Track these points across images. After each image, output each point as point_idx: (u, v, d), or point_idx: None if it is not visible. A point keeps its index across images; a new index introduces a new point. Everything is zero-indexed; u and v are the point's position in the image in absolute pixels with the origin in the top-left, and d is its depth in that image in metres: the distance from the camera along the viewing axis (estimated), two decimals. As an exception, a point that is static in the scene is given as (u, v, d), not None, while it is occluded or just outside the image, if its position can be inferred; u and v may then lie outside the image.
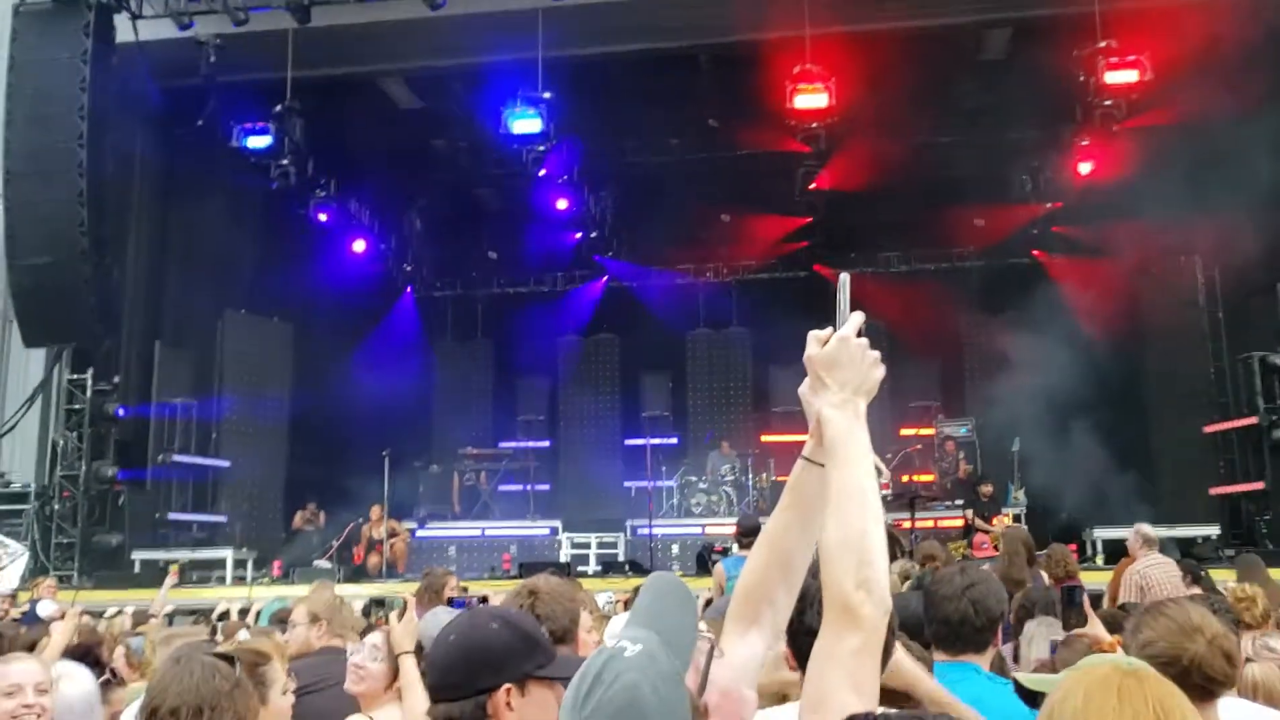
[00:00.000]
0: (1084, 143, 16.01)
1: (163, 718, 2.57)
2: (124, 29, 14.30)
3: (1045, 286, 18.54)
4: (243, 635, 5.44)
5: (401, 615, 3.92)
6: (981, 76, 16.26)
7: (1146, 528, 8.63)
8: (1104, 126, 14.65)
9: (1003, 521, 13.70)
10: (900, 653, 2.78)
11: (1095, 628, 4.35)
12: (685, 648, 1.52)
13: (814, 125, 14.99)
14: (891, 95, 15.32)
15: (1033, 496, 15.44)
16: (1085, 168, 16.44)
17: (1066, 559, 7.71)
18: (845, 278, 1.76)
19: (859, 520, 1.65)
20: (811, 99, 14.37)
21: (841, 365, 1.74)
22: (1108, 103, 14.23)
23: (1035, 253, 19.47)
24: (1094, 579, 9.50)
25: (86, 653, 4.31)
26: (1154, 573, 7.98)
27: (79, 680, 3.61)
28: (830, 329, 1.77)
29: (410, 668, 3.76)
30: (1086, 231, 18.10)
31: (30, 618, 8.49)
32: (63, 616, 6.77)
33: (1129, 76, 13.89)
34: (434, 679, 2.25)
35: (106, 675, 4.46)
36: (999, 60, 16.12)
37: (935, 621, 3.48)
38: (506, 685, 2.16)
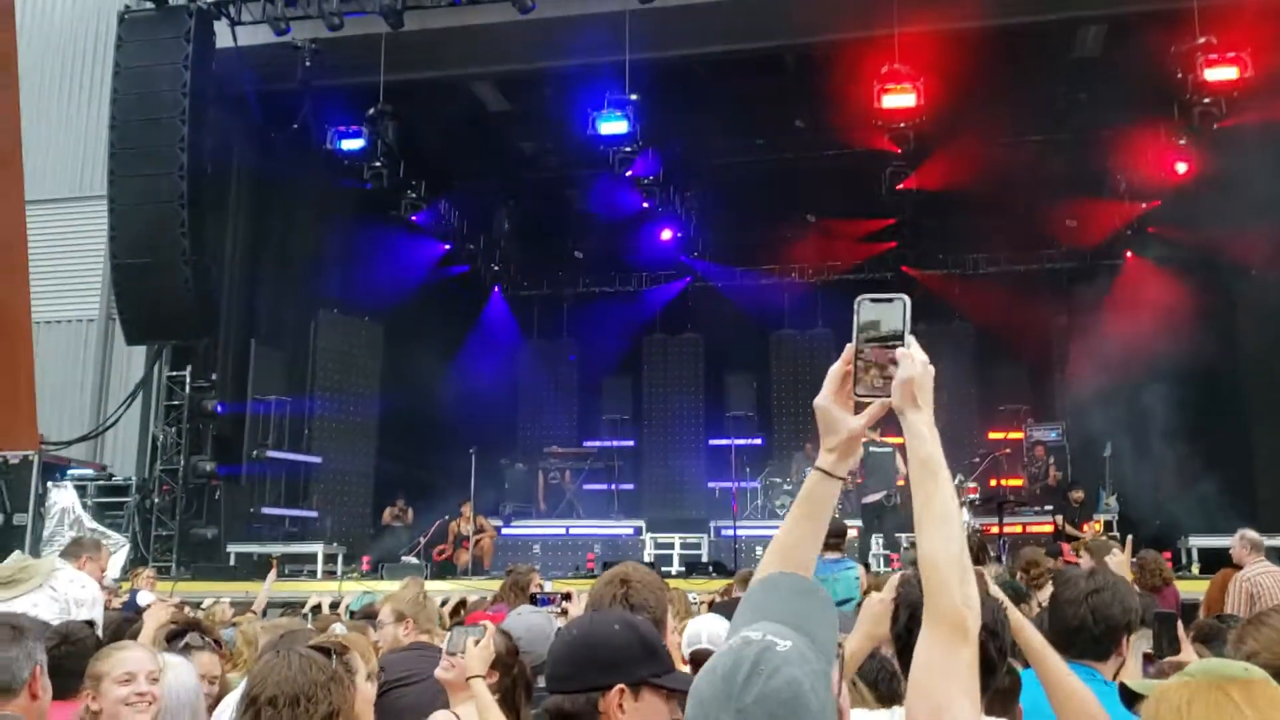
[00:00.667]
0: (1181, 142, 15.62)
1: (261, 707, 2.64)
2: (223, 35, 14.67)
3: (1139, 288, 18.14)
4: (338, 629, 5.56)
5: (478, 641, 3.94)
6: (1074, 74, 15.97)
7: (1253, 533, 8.29)
8: (1203, 125, 14.27)
9: (1093, 528, 13.45)
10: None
11: (1188, 654, 4.20)
12: (829, 649, 1.51)
13: (902, 125, 14.84)
14: (981, 94, 15.10)
15: (1124, 503, 15.12)
16: (1181, 167, 16.04)
17: (1161, 567, 7.43)
18: (907, 300, 1.76)
19: (960, 538, 1.70)
20: (899, 99, 14.23)
21: (927, 386, 1.75)
22: (1206, 100, 13.85)
23: (1128, 254, 19.06)
24: (1189, 588, 9.30)
25: (185, 634, 4.43)
26: (1265, 580, 7.59)
27: (184, 671, 3.73)
28: (908, 348, 1.76)
29: (482, 690, 3.80)
30: (1182, 232, 17.64)
31: (130, 606, 8.76)
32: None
33: (1229, 73, 13.50)
34: (550, 670, 2.28)
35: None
36: (1092, 58, 15.80)
37: (1053, 625, 3.39)
38: (620, 686, 2.18)
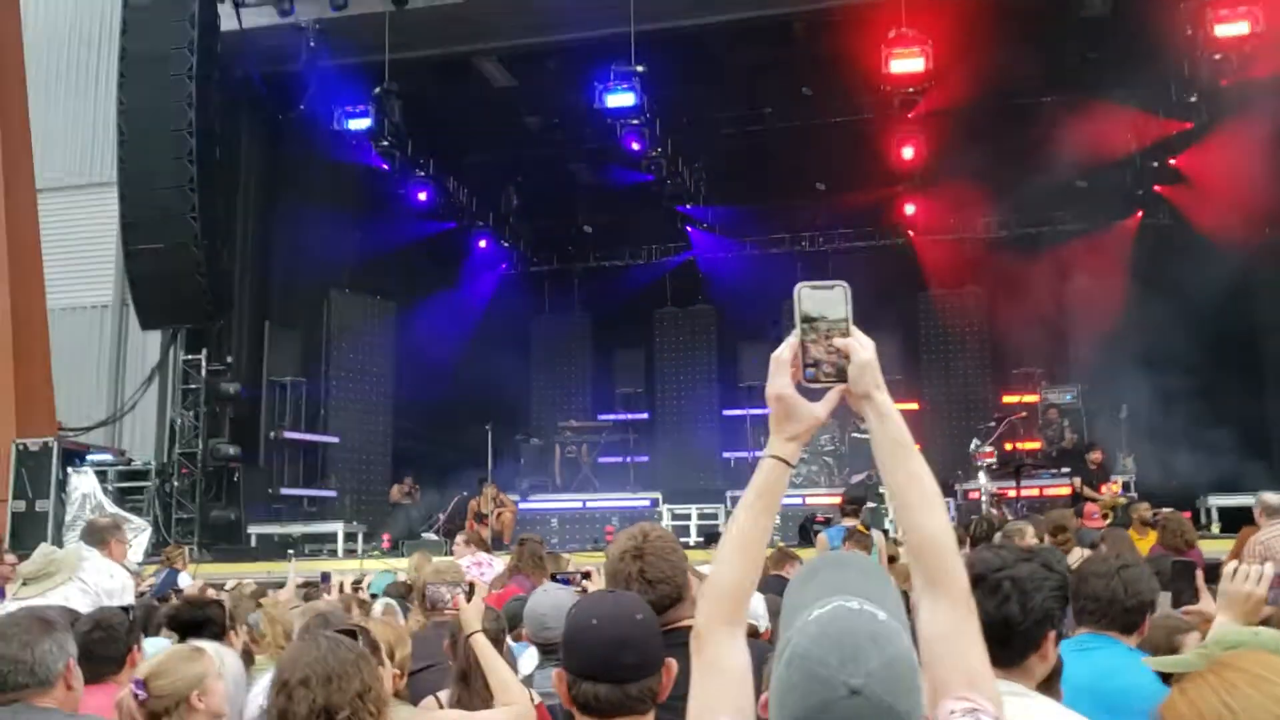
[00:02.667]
0: (1191, 99, 15.50)
1: (294, 688, 2.67)
2: (228, 18, 14.64)
3: (1151, 248, 18.05)
4: (378, 609, 5.61)
5: (470, 597, 3.98)
6: (1084, 34, 15.82)
7: (1270, 496, 8.26)
8: (1211, 81, 14.17)
9: (1112, 489, 13.42)
10: None
11: (1207, 604, 4.24)
12: (906, 631, 1.54)
13: (911, 90, 14.77)
14: (990, 56, 14.98)
15: (1142, 464, 15.09)
16: (1191, 125, 15.91)
17: (1184, 528, 7.35)
18: (847, 286, 1.76)
19: (946, 512, 1.76)
20: (908, 63, 14.13)
21: (879, 369, 1.76)
22: (1217, 57, 13.74)
23: (1140, 214, 18.94)
24: (1211, 548, 9.29)
25: (202, 622, 4.46)
26: (1277, 543, 7.66)
27: (229, 662, 3.77)
28: (851, 335, 1.76)
29: (483, 645, 3.84)
30: (1195, 192, 17.53)
31: (167, 586, 8.85)
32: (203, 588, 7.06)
33: (1240, 28, 13.39)
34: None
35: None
36: (1101, 17, 15.66)
37: (1083, 597, 3.44)
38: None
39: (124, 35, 14.52)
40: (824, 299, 1.76)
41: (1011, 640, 2.51)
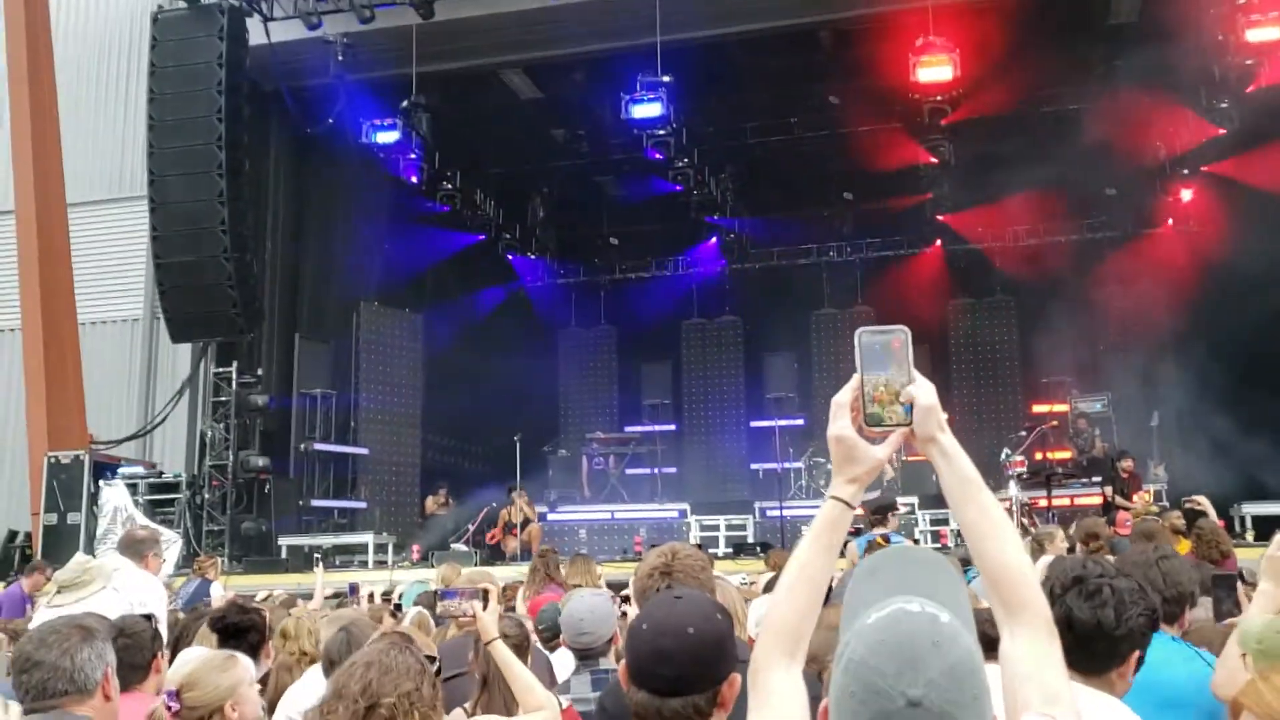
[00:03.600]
0: (1222, 104, 15.37)
1: (354, 696, 2.72)
2: (256, 32, 14.75)
3: (1180, 255, 17.90)
4: (409, 619, 5.62)
5: (485, 605, 3.97)
6: (1111, 40, 15.73)
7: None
8: (1242, 87, 14.05)
9: (1144, 498, 13.28)
10: None
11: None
12: (970, 623, 1.52)
13: (938, 98, 14.72)
14: (1017, 62, 14.92)
15: (1174, 472, 14.95)
16: (1223, 131, 15.77)
17: (1219, 538, 7.19)
18: (907, 330, 1.78)
19: (1020, 542, 1.78)
20: (935, 71, 14.09)
21: (940, 410, 1.79)
22: (1248, 62, 13.63)
23: (1169, 221, 18.80)
24: (1246, 555, 9.17)
25: (247, 629, 4.47)
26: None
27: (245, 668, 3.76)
28: (912, 378, 1.77)
29: (502, 651, 3.84)
30: (1226, 198, 17.39)
31: (198, 597, 8.87)
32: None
33: (1272, 33, 13.28)
34: (674, 671, 2.24)
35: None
36: (1130, 23, 15.56)
37: None
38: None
39: (153, 49, 14.65)
40: (885, 344, 1.78)
41: (1098, 647, 2.54)
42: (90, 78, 17.36)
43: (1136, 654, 2.61)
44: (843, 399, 1.78)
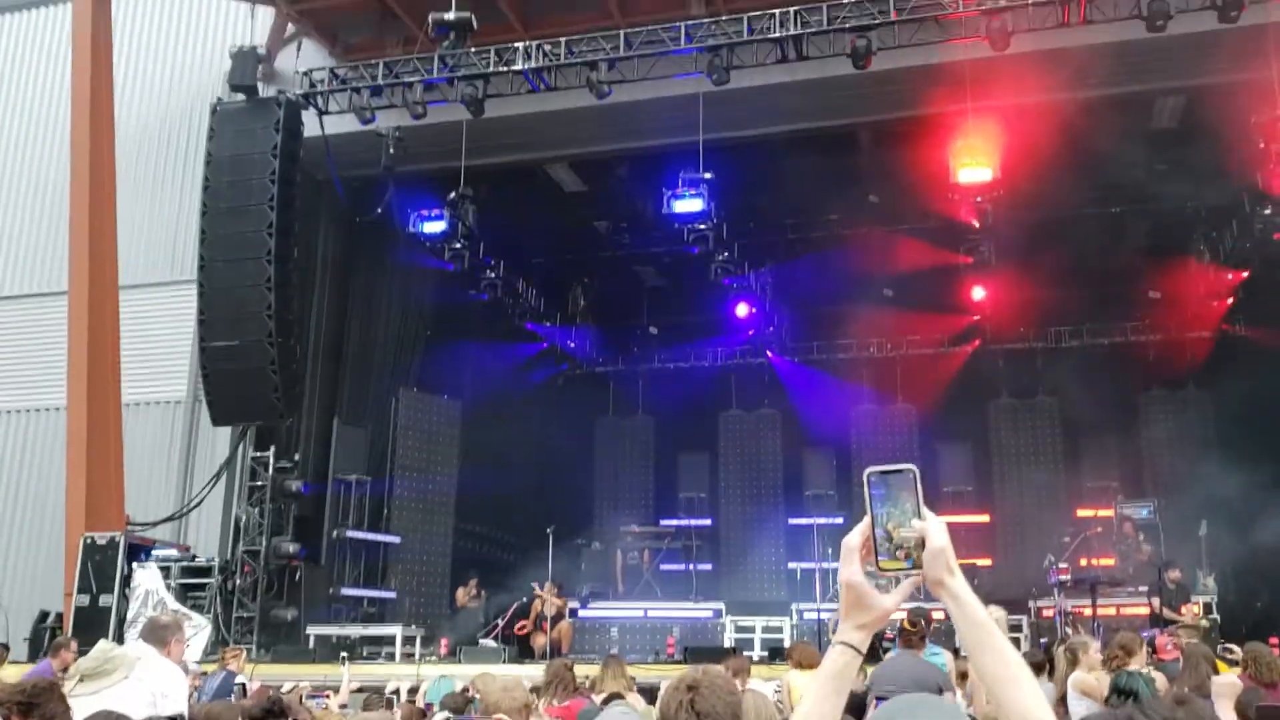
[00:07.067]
0: (1266, 211, 15.26)
1: None
2: (310, 123, 15.07)
3: (1228, 360, 17.68)
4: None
5: None
6: (1153, 145, 15.74)
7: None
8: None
9: (1192, 610, 12.93)
10: None
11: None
12: None
13: (978, 199, 14.75)
14: (1058, 165, 14.93)
15: (1224, 584, 14.55)
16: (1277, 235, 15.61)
17: (1271, 662, 6.88)
18: (916, 468, 1.74)
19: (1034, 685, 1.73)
20: (975, 172, 14.13)
21: (952, 552, 1.76)
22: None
23: (1220, 325, 18.59)
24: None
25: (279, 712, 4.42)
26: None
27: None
28: (924, 518, 1.73)
29: None
30: (1275, 302, 17.18)
31: (225, 689, 8.78)
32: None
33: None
34: None
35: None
36: (1171, 129, 15.58)
37: None
38: None
39: (210, 140, 15.03)
40: (894, 483, 1.75)
41: None
42: (147, 164, 17.80)
43: None
44: (853, 542, 1.77)
